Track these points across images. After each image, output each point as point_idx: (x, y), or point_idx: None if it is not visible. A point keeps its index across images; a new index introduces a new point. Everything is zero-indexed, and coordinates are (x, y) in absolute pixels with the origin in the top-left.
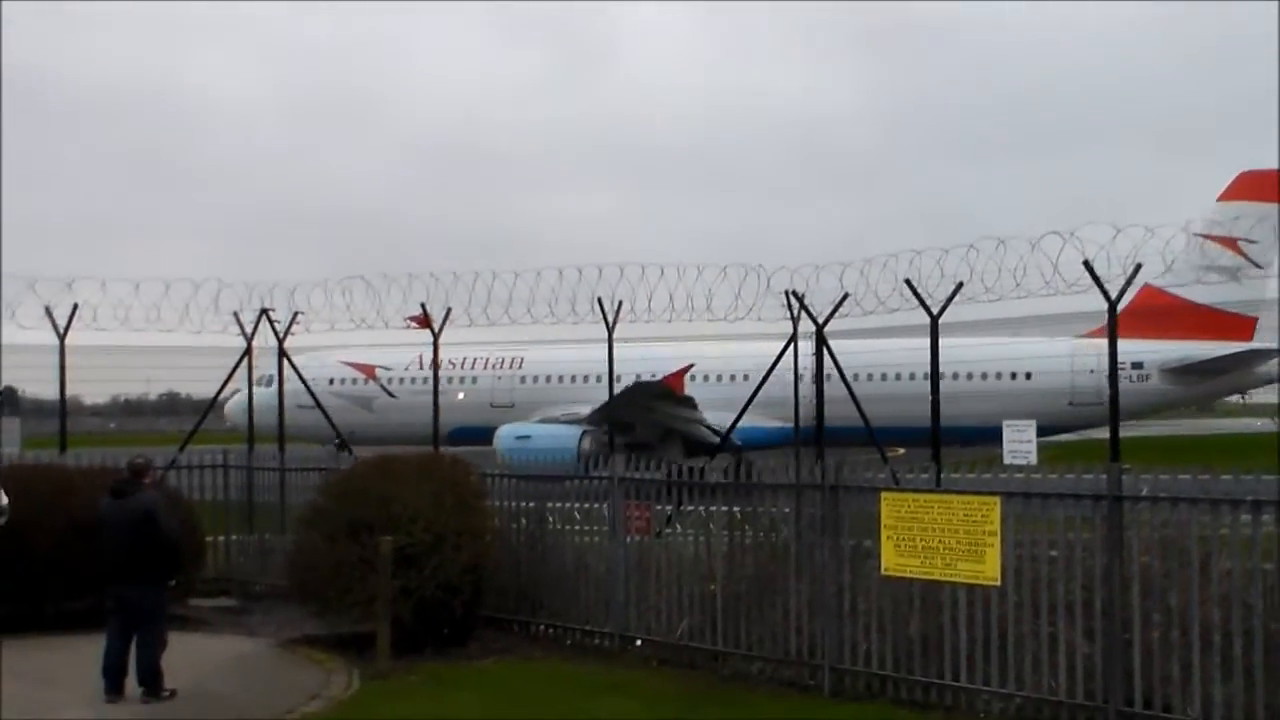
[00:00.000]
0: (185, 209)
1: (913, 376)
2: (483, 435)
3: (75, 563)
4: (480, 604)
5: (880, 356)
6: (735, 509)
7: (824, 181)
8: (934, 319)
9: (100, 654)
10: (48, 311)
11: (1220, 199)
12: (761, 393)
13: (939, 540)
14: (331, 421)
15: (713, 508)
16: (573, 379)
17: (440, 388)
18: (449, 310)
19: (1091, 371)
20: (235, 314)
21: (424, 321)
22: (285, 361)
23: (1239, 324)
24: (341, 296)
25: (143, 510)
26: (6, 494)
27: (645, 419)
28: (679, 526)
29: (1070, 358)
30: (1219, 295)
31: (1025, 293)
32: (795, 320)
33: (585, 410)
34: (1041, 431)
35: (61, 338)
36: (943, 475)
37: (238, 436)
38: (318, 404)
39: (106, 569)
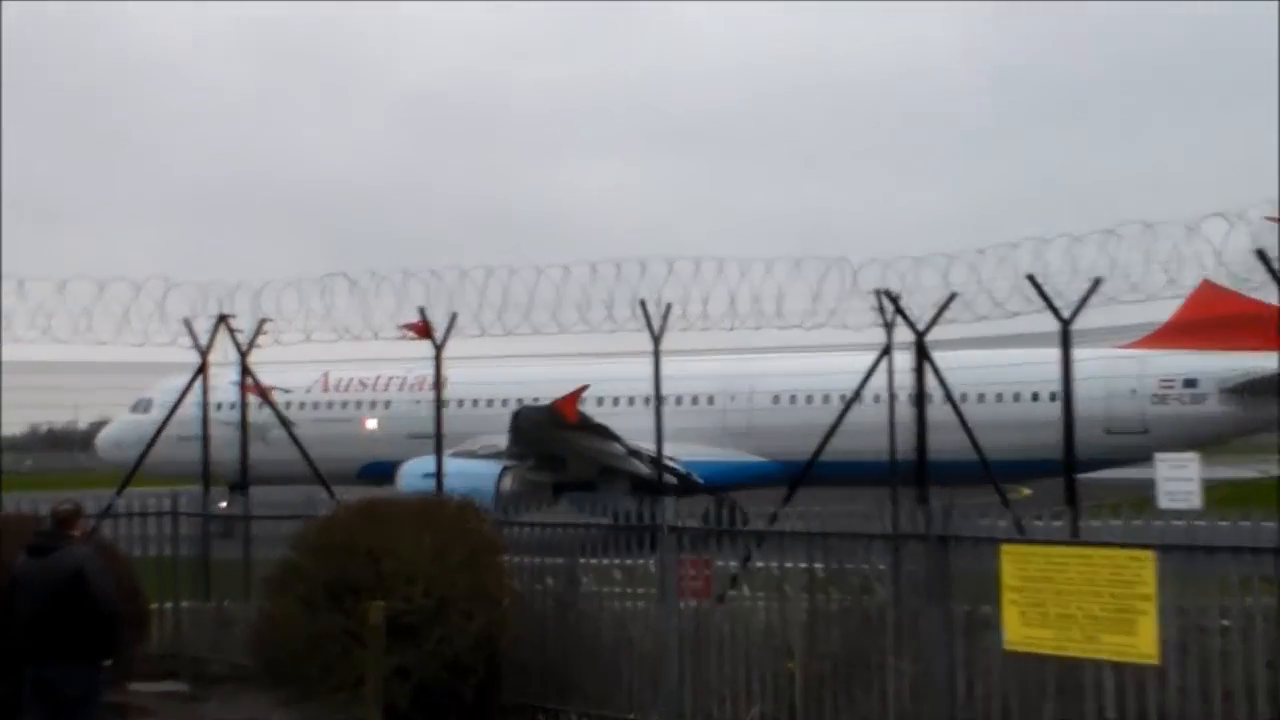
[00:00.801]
0: (124, 186)
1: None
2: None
3: None
4: (496, 687)
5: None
6: (817, 566)
7: (913, 156)
8: (1065, 324)
9: None
10: None
11: None
12: (733, 420)
13: (1078, 606)
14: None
15: (788, 564)
16: (504, 403)
17: (345, 415)
18: (454, 316)
19: (1133, 392)
20: (187, 321)
21: (424, 330)
22: (247, 379)
23: None
24: (320, 299)
25: (70, 570)
26: None
27: (575, 453)
28: (746, 588)
29: (1105, 378)
30: None
31: (1181, 290)
32: (890, 327)
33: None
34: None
35: None
36: (1081, 523)
37: (191, 478)
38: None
39: (23, 645)
